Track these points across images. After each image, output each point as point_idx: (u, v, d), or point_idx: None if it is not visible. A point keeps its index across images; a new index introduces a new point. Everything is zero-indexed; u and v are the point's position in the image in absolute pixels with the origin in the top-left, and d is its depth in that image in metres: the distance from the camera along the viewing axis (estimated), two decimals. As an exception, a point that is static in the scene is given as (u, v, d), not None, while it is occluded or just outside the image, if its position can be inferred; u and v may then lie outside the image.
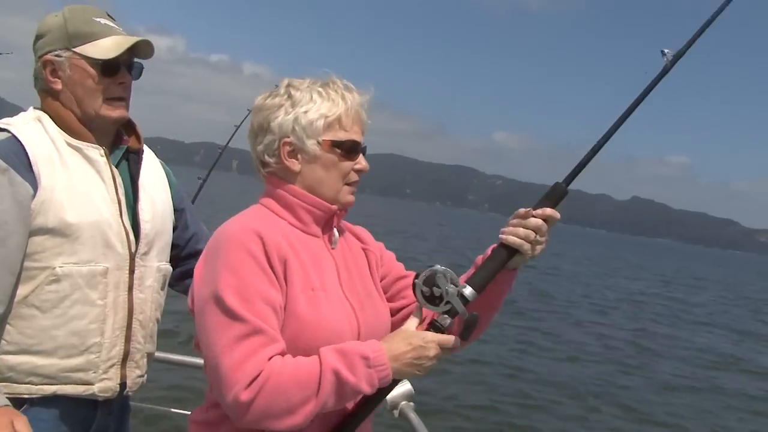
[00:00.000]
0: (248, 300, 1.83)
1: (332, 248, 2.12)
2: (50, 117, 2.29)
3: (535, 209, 2.04)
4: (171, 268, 2.52)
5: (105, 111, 2.32)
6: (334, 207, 2.07)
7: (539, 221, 2.02)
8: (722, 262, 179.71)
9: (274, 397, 1.78)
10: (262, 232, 1.90)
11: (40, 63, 2.32)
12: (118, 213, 2.30)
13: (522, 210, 2.05)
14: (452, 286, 1.97)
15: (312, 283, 1.97)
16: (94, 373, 2.25)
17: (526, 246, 2.01)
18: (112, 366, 2.29)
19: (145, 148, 2.50)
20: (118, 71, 2.34)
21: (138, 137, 2.46)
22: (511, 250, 2.03)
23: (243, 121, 4.46)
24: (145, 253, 2.36)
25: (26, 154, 2.16)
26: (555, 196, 2.09)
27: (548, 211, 2.05)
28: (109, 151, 2.36)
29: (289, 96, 2.04)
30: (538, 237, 2.02)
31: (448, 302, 1.96)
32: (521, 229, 2.01)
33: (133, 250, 2.32)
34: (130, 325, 2.33)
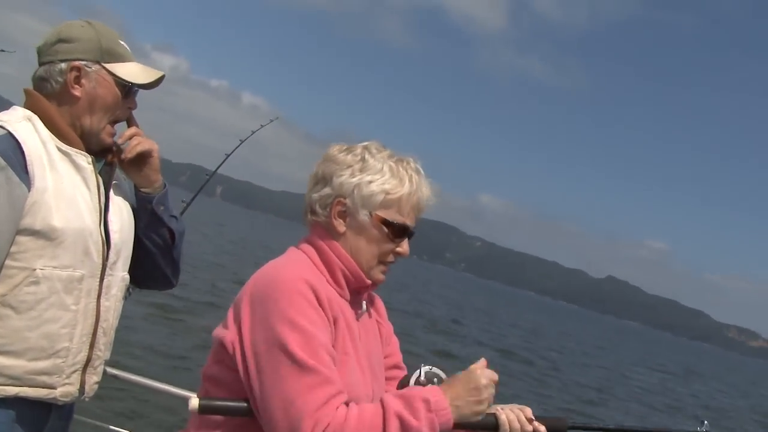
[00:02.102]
0: (315, 350, 1.84)
1: (357, 318, 2.14)
2: (40, 118, 2.29)
3: (537, 420, 2.07)
4: (129, 278, 2.51)
5: (104, 135, 2.40)
6: (369, 282, 2.11)
7: (530, 429, 2.04)
8: (699, 354, 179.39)
9: None
10: (315, 284, 1.93)
11: (63, 66, 2.33)
12: (98, 222, 2.32)
13: (528, 411, 2.07)
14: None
15: (347, 348, 2.00)
16: (58, 377, 2.26)
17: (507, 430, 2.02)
18: (74, 371, 2.30)
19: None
20: (134, 96, 2.43)
21: (112, 151, 2.47)
22: (495, 424, 2.04)
23: (234, 150, 4.47)
24: (114, 263, 2.38)
25: (23, 153, 2.17)
26: (555, 426, 2.12)
27: (542, 428, 2.06)
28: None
29: (363, 159, 2.06)
30: None
31: None
32: (517, 422, 2.03)
33: (105, 259, 2.33)
34: (96, 332, 2.34)
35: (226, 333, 1.98)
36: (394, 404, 1.85)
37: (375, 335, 2.24)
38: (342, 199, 2.05)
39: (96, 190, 2.33)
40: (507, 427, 2.02)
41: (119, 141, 2.45)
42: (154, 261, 2.56)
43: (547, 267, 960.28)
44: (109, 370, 2.88)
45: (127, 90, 2.40)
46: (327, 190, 2.06)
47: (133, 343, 11.97)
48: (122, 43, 2.42)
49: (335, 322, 1.96)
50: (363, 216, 2.04)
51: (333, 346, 1.94)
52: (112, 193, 2.42)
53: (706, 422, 2.36)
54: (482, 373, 1.98)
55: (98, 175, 2.36)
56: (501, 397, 2.10)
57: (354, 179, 2.03)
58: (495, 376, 2.01)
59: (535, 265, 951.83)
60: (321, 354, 1.85)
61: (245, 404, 1.93)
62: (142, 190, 2.50)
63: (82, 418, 3.13)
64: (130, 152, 2.43)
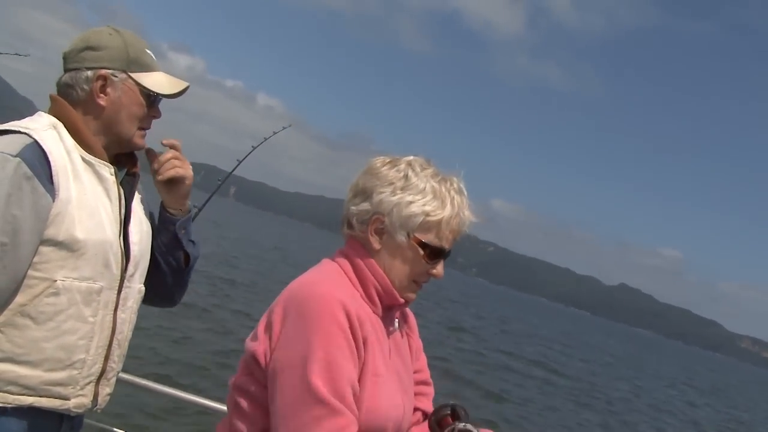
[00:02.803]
0: (334, 381, 1.81)
1: (389, 335, 2.11)
2: (65, 126, 2.28)
3: None
4: (144, 290, 2.50)
5: (137, 139, 2.39)
6: (402, 300, 2.07)
7: None
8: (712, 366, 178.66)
9: None
10: (348, 305, 1.88)
11: (90, 74, 2.32)
12: (119, 233, 2.32)
13: None
14: None
15: (378, 369, 1.96)
16: (73, 388, 2.25)
17: None
18: (89, 383, 2.29)
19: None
20: (157, 105, 2.43)
21: (135, 161, 2.48)
22: None
23: (245, 157, 4.44)
24: (132, 275, 2.37)
25: (48, 163, 2.16)
26: None
27: None
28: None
29: (406, 177, 2.01)
30: None
31: None
32: None
33: (123, 271, 2.33)
34: (111, 344, 2.33)
35: (258, 345, 1.95)
36: None
37: (405, 350, 2.21)
38: (380, 217, 2.00)
39: (117, 202, 2.33)
40: None
41: (161, 160, 2.45)
42: (163, 280, 2.55)
43: (559, 273, 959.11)
44: (122, 375, 2.85)
45: (152, 100, 2.39)
46: (366, 206, 2.02)
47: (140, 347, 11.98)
48: (149, 52, 2.42)
49: (365, 342, 1.92)
50: (400, 236, 2.00)
51: (363, 368, 1.91)
52: (133, 204, 2.42)
53: None
54: None
55: (120, 186, 2.36)
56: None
57: (394, 198, 1.98)
58: None
59: (548, 271, 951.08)
60: (340, 385, 1.82)
61: None
62: (168, 209, 2.51)
63: (89, 422, 3.13)
64: (163, 174, 2.44)
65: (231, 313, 19.80)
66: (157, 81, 2.39)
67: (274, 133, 4.52)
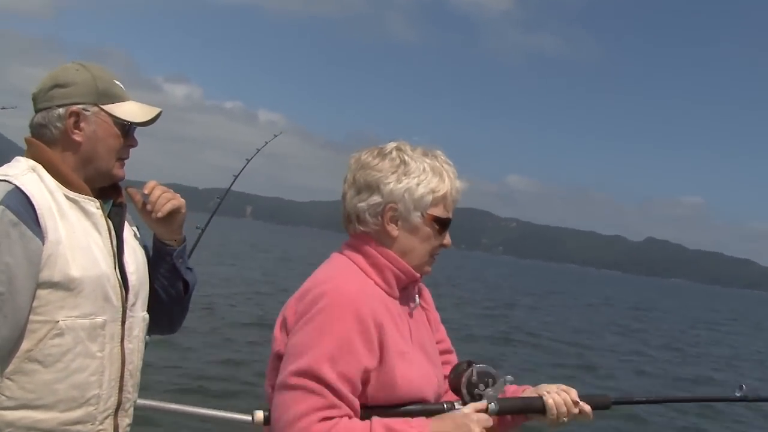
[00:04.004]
0: (341, 373, 1.91)
1: (410, 314, 2.21)
2: (44, 167, 2.29)
3: (582, 400, 2.19)
4: (148, 317, 2.51)
5: (116, 170, 2.40)
6: (418, 276, 2.19)
7: (576, 411, 2.17)
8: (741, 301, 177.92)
9: None
10: (362, 296, 2.00)
11: (61, 111, 2.32)
12: (113, 266, 2.32)
13: (574, 393, 2.19)
14: (495, 400, 2.08)
15: (402, 347, 2.06)
16: (92, 425, 2.26)
17: (554, 412, 2.14)
18: (107, 417, 2.30)
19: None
20: (132, 134, 2.43)
21: (120, 192, 2.48)
22: (542, 407, 2.15)
23: (241, 171, 4.51)
24: (133, 304, 2.38)
25: (33, 207, 2.16)
26: (599, 404, 2.25)
27: (587, 408, 2.19)
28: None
29: (403, 162, 2.12)
30: (565, 418, 2.16)
31: (483, 401, 2.09)
32: (564, 406, 2.15)
33: (124, 302, 2.33)
34: (123, 375, 2.35)
35: (278, 344, 2.06)
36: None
37: (425, 324, 2.30)
38: (394, 205, 2.10)
39: (107, 234, 2.34)
40: (554, 410, 2.13)
41: (145, 191, 2.46)
42: (163, 308, 2.56)
43: (585, 238, 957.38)
44: (141, 401, 2.93)
45: (127, 129, 2.40)
46: (376, 198, 2.10)
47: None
48: (117, 83, 2.43)
49: (381, 329, 2.00)
50: (415, 218, 2.11)
51: (384, 353, 2.00)
52: (124, 234, 2.43)
53: (744, 386, 2.41)
54: (477, 421, 2.02)
55: (108, 219, 2.37)
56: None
57: (401, 184, 2.09)
58: (489, 422, 2.05)
59: (573, 237, 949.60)
60: (346, 375, 1.92)
61: None
62: (164, 242, 2.52)
63: None
64: (161, 211, 2.44)
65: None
66: (130, 110, 2.40)
67: (266, 142, 4.69)
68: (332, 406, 1.89)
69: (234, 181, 4.53)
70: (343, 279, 2.05)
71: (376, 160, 2.13)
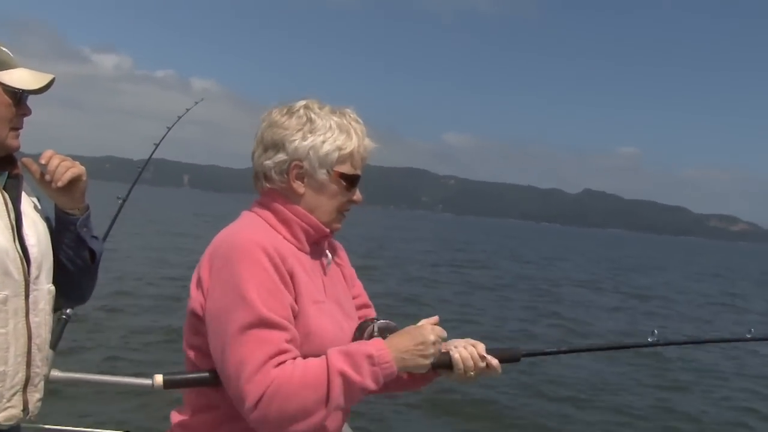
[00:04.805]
0: (273, 303, 1.92)
1: (324, 270, 2.22)
2: None
3: (490, 354, 2.22)
4: (54, 289, 2.46)
5: (11, 141, 2.33)
6: (327, 230, 2.20)
7: (483, 365, 2.20)
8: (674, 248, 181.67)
9: (287, 404, 1.86)
10: (267, 245, 1.98)
11: None
12: (12, 239, 2.26)
13: (482, 348, 2.21)
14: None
15: (316, 296, 2.08)
16: None
17: (461, 367, 2.17)
18: (15, 393, 2.26)
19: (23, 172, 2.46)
20: (25, 102, 2.35)
21: (15, 164, 2.41)
22: (449, 362, 2.18)
23: (162, 138, 4.48)
24: (37, 277, 2.32)
25: None
26: (508, 357, 2.28)
27: (495, 362, 2.22)
28: None
29: (309, 120, 2.12)
30: (472, 373, 2.19)
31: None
32: (471, 360, 2.18)
33: (27, 275, 2.28)
34: (30, 350, 2.30)
35: (193, 302, 2.04)
36: (338, 362, 1.92)
37: (340, 280, 2.32)
38: (299, 162, 2.11)
39: (4, 207, 2.28)
40: (461, 365, 2.16)
41: (42, 161, 2.36)
42: (71, 279, 2.51)
43: (523, 192, 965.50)
44: (55, 374, 3.00)
45: (19, 97, 2.32)
46: (281, 156, 2.12)
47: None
48: (5, 50, 2.34)
49: (292, 274, 2.01)
50: (321, 175, 2.12)
51: (298, 298, 2.01)
52: (22, 206, 2.37)
53: (656, 331, 2.49)
54: (432, 329, 2.07)
55: (3, 191, 2.31)
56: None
57: (307, 142, 2.10)
58: (444, 333, 2.09)
59: (512, 192, 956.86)
60: (279, 306, 1.93)
61: (207, 374, 2.00)
62: (66, 211, 2.44)
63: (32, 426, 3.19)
64: (61, 180, 2.34)
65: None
66: (20, 77, 2.31)
67: (187, 110, 4.62)
68: (284, 350, 1.90)
69: (155, 150, 4.48)
70: (252, 230, 2.06)
71: (283, 118, 2.13)
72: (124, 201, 4.09)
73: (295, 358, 1.92)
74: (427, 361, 2.04)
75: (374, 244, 47.89)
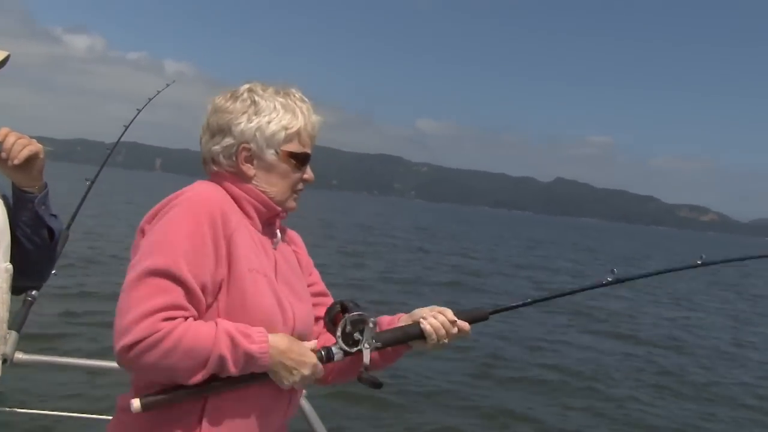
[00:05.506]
0: (192, 271, 1.90)
1: (273, 247, 2.21)
2: None
3: (458, 317, 2.23)
4: (12, 268, 2.40)
5: None
6: (279, 208, 2.19)
7: (455, 330, 2.22)
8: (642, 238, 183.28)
9: (162, 360, 1.85)
10: (218, 205, 2.00)
11: None
12: None
13: (450, 312, 2.23)
14: (372, 341, 2.13)
15: (253, 264, 2.04)
16: None
17: (434, 337, 2.19)
18: None
19: None
20: None
21: None
22: (421, 334, 2.20)
23: (132, 120, 4.48)
24: None
25: None
26: (476, 317, 2.30)
27: (465, 326, 2.25)
28: None
29: (253, 102, 2.13)
30: (446, 340, 2.21)
31: (359, 350, 2.12)
32: (442, 328, 2.20)
33: None
34: None
35: (134, 250, 2.03)
36: (223, 344, 1.89)
37: (294, 263, 2.31)
38: (246, 145, 2.11)
39: None
40: (434, 335, 2.19)
41: (7, 146, 2.30)
42: (30, 259, 2.44)
43: (495, 180, 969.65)
44: (20, 356, 3.00)
45: None
46: (228, 140, 2.12)
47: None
48: None
49: (231, 237, 2.00)
50: (270, 155, 2.13)
51: (232, 263, 1.99)
52: None
53: (615, 270, 2.48)
54: (316, 364, 2.06)
55: None
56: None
57: (252, 124, 2.10)
58: (321, 373, 2.09)
59: (484, 179, 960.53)
60: (189, 270, 1.90)
61: (183, 391, 1.94)
62: (23, 189, 2.39)
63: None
64: (17, 158, 2.28)
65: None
66: None
67: (158, 92, 4.67)
68: (180, 307, 1.88)
69: (124, 132, 4.50)
70: (209, 188, 2.08)
71: (227, 102, 2.14)
72: (92, 183, 4.08)
73: (188, 319, 1.90)
74: (296, 379, 2.03)
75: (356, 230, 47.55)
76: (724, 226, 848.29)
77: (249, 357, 1.93)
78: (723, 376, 15.45)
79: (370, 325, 2.13)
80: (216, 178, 2.16)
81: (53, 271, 2.62)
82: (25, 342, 3.20)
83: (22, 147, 2.30)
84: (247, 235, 2.06)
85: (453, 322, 2.21)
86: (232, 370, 1.92)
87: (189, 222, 1.94)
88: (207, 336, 1.88)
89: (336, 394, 9.81)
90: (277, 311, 2.06)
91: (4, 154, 2.30)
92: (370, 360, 2.12)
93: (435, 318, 2.20)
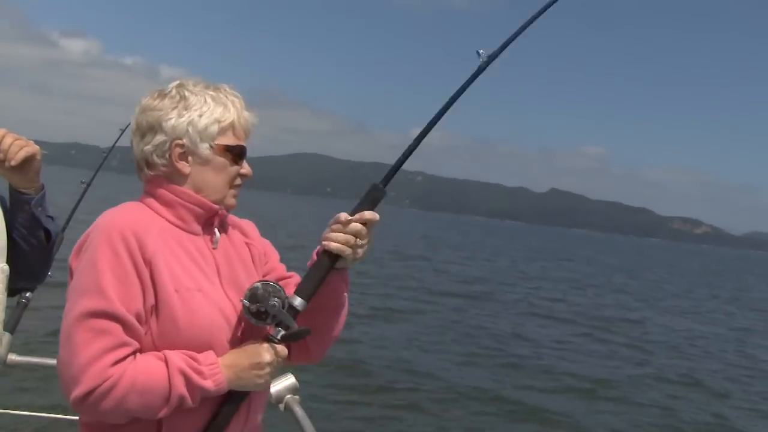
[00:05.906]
0: (124, 304, 1.86)
1: (214, 248, 2.14)
2: None
3: (353, 214, 2.08)
4: (8, 268, 2.42)
5: None
6: (217, 207, 2.11)
7: (359, 226, 2.06)
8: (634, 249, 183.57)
9: (119, 405, 1.83)
10: (130, 230, 1.92)
11: None
12: None
13: (342, 216, 2.08)
14: (276, 300, 2.01)
15: (185, 283, 1.98)
16: None
17: (348, 251, 2.05)
18: None
19: None
20: None
21: None
22: (334, 256, 2.07)
23: (127, 126, 4.49)
24: None
25: None
26: (373, 198, 2.12)
27: (367, 214, 2.08)
28: None
29: (183, 98, 2.07)
30: (358, 241, 2.07)
31: (275, 316, 2.01)
32: (341, 234, 2.05)
33: None
34: None
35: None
36: (176, 381, 1.87)
37: (241, 260, 2.22)
38: (179, 141, 2.04)
39: None
40: (345, 249, 2.05)
41: (3, 147, 2.32)
42: (25, 259, 2.47)
43: (490, 190, 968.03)
44: (13, 357, 3.00)
45: None
46: (160, 137, 2.05)
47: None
48: None
49: (152, 264, 1.92)
50: (204, 150, 2.06)
51: (158, 289, 1.93)
52: None
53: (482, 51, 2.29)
54: (268, 348, 2.02)
55: None
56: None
57: (183, 118, 2.04)
58: (284, 352, 2.05)
59: (478, 189, 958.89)
60: (122, 303, 1.86)
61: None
62: (20, 190, 2.41)
63: None
64: (14, 159, 2.31)
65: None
66: None
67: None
68: (123, 344, 1.85)
69: (120, 136, 4.49)
70: (119, 213, 2.01)
71: (156, 101, 2.08)
72: (88, 186, 4.10)
73: (135, 353, 1.88)
74: (263, 381, 2.02)
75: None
76: (717, 238, 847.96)
77: (206, 392, 1.92)
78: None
79: (258, 286, 2.03)
80: (149, 185, 2.11)
81: (49, 273, 2.63)
82: (19, 343, 3.20)
83: (19, 148, 2.31)
84: (169, 252, 1.99)
85: (349, 222, 2.06)
86: (192, 405, 1.91)
87: (107, 254, 1.88)
88: (160, 375, 1.86)
89: (329, 400, 9.84)
90: (219, 321, 2.01)
91: (1, 155, 2.31)
92: (309, 312, 2.07)
93: (336, 233, 2.06)
